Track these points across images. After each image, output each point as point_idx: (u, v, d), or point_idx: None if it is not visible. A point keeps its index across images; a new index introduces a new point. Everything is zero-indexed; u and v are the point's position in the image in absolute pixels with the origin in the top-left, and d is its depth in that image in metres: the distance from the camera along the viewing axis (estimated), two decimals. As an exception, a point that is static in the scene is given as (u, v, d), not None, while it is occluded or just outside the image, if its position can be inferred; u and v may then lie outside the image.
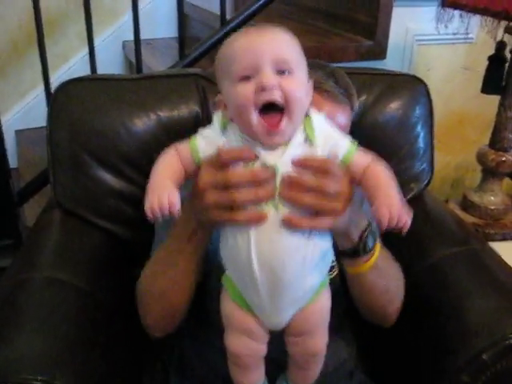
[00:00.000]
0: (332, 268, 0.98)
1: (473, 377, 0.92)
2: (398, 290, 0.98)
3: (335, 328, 1.00)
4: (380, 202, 0.73)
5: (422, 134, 1.31)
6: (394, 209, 0.72)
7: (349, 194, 0.77)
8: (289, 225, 0.74)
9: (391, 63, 1.87)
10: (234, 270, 0.81)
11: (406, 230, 0.73)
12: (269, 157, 0.73)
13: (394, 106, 1.27)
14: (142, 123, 1.15)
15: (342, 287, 0.99)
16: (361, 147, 0.79)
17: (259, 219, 0.74)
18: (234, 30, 1.69)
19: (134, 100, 1.17)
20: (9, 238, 1.58)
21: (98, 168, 1.14)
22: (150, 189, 0.74)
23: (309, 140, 0.75)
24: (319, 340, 0.85)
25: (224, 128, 0.76)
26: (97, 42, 2.34)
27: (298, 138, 0.75)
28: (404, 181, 1.31)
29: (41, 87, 1.70)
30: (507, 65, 1.72)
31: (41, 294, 0.95)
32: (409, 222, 0.73)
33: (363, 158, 0.78)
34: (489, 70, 1.74)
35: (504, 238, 1.83)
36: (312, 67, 0.95)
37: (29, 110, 2.45)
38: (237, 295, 0.82)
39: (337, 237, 0.84)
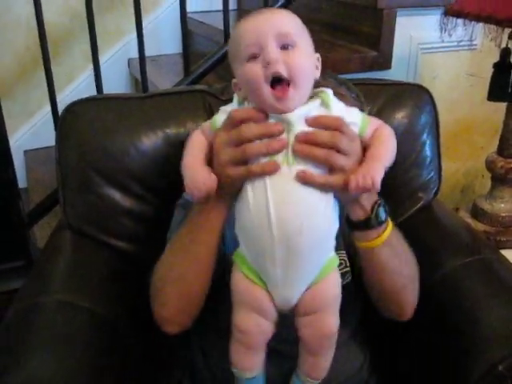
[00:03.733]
0: (345, 274, 0.98)
1: (489, 388, 0.91)
2: (412, 275, 0.96)
3: (349, 337, 1.00)
4: (360, 167, 0.77)
5: (428, 143, 1.31)
6: (368, 176, 0.75)
7: (360, 155, 0.79)
8: (302, 179, 0.76)
9: (397, 73, 1.87)
10: (249, 238, 0.82)
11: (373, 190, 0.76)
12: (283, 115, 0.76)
13: (398, 116, 1.27)
14: (150, 141, 1.15)
15: (355, 294, 0.98)
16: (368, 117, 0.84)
17: (273, 168, 0.76)
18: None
19: (142, 118, 1.18)
20: (20, 260, 1.59)
21: (107, 187, 1.15)
22: (186, 170, 0.80)
23: (325, 104, 0.78)
24: (331, 319, 0.85)
25: (241, 103, 0.81)
26: (102, 60, 2.36)
27: (314, 101, 0.78)
28: (412, 190, 1.31)
29: (48, 107, 1.72)
30: (512, 71, 1.72)
31: (53, 318, 0.95)
32: (376, 183, 0.75)
33: (373, 126, 0.82)
34: (494, 77, 1.74)
35: (516, 246, 1.82)
36: (324, 77, 0.99)
37: (37, 129, 2.48)
38: (249, 269, 0.83)
39: (349, 206, 0.84)
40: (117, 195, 1.15)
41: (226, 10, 1.70)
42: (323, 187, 0.78)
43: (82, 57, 2.40)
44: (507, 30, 1.58)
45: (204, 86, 1.28)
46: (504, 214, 1.86)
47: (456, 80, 2.07)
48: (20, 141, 2.47)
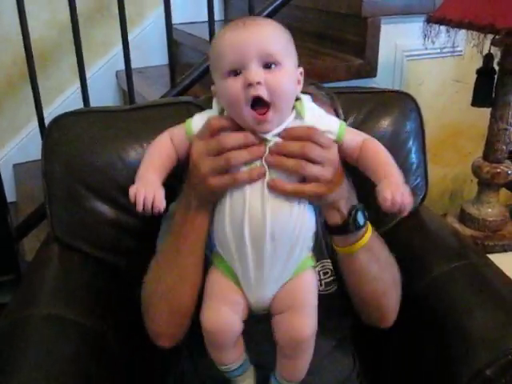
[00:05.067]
0: (331, 283, 0.98)
1: (477, 393, 0.91)
2: (392, 280, 0.96)
3: (334, 345, 1.00)
4: (382, 183, 0.76)
5: (413, 149, 1.31)
6: (397, 192, 0.74)
7: (336, 163, 0.80)
8: (273, 187, 0.77)
9: (382, 80, 1.89)
10: (224, 242, 0.83)
11: (405, 212, 0.75)
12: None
13: (383, 123, 1.28)
14: (137, 154, 1.15)
15: (341, 303, 0.98)
16: (350, 128, 0.84)
17: (261, 172, 0.77)
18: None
19: (128, 131, 1.18)
20: (8, 274, 1.58)
21: (94, 200, 1.14)
22: (138, 177, 0.78)
23: (299, 116, 0.79)
24: (304, 320, 0.84)
25: (221, 112, 0.80)
26: (90, 72, 2.38)
27: (289, 116, 0.79)
28: (399, 197, 1.31)
29: (36, 121, 1.72)
30: (496, 77, 1.73)
31: (40, 332, 0.95)
32: (410, 205, 0.75)
33: (356, 136, 0.82)
34: (478, 82, 1.76)
35: (504, 250, 1.83)
36: None
37: (26, 143, 2.47)
38: (226, 268, 0.85)
39: (326, 211, 0.85)
40: (104, 208, 1.15)
41: (211, 22, 1.71)
42: (296, 195, 0.79)
43: (71, 70, 2.39)
44: (489, 37, 1.60)
45: (190, 98, 1.29)
46: (491, 219, 1.87)
47: (442, 86, 2.09)
48: (8, 155, 2.47)
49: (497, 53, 1.71)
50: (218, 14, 2.43)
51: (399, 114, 1.30)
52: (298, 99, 0.81)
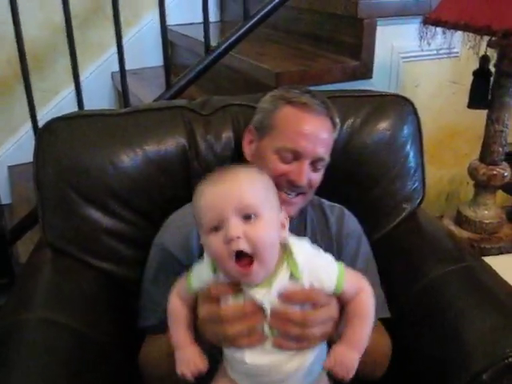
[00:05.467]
0: None
1: (474, 398, 0.91)
2: (383, 359, 1.02)
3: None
4: (338, 350, 0.77)
5: (411, 153, 1.31)
6: (344, 365, 0.76)
7: (336, 316, 0.82)
8: (279, 347, 0.79)
9: (378, 82, 1.88)
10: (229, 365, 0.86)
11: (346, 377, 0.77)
12: (256, 295, 0.78)
13: (381, 127, 1.28)
14: (129, 159, 1.15)
15: None
16: (348, 273, 0.82)
17: (260, 341, 0.79)
18: (220, 56, 1.71)
19: (120, 136, 1.17)
20: (2, 277, 1.57)
21: (86, 206, 1.14)
22: (177, 351, 0.83)
23: (294, 276, 0.79)
24: None
25: (214, 271, 0.81)
26: (86, 73, 2.38)
27: (283, 274, 0.79)
28: (397, 201, 1.31)
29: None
30: (492, 79, 1.73)
31: (34, 336, 0.95)
32: (353, 371, 0.77)
33: (353, 285, 0.81)
34: (474, 84, 1.75)
35: (500, 252, 1.82)
36: (288, 89, 1.03)
37: (21, 145, 2.47)
38: None
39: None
40: (96, 214, 1.14)
41: (206, 23, 1.70)
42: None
43: (66, 71, 2.37)
44: (486, 38, 1.59)
45: (184, 102, 1.28)
46: (487, 221, 1.86)
47: (438, 88, 2.08)
48: (3, 156, 2.46)
49: (493, 54, 1.70)
50: (213, 16, 2.44)
51: (397, 118, 1.30)
52: (289, 254, 0.80)
